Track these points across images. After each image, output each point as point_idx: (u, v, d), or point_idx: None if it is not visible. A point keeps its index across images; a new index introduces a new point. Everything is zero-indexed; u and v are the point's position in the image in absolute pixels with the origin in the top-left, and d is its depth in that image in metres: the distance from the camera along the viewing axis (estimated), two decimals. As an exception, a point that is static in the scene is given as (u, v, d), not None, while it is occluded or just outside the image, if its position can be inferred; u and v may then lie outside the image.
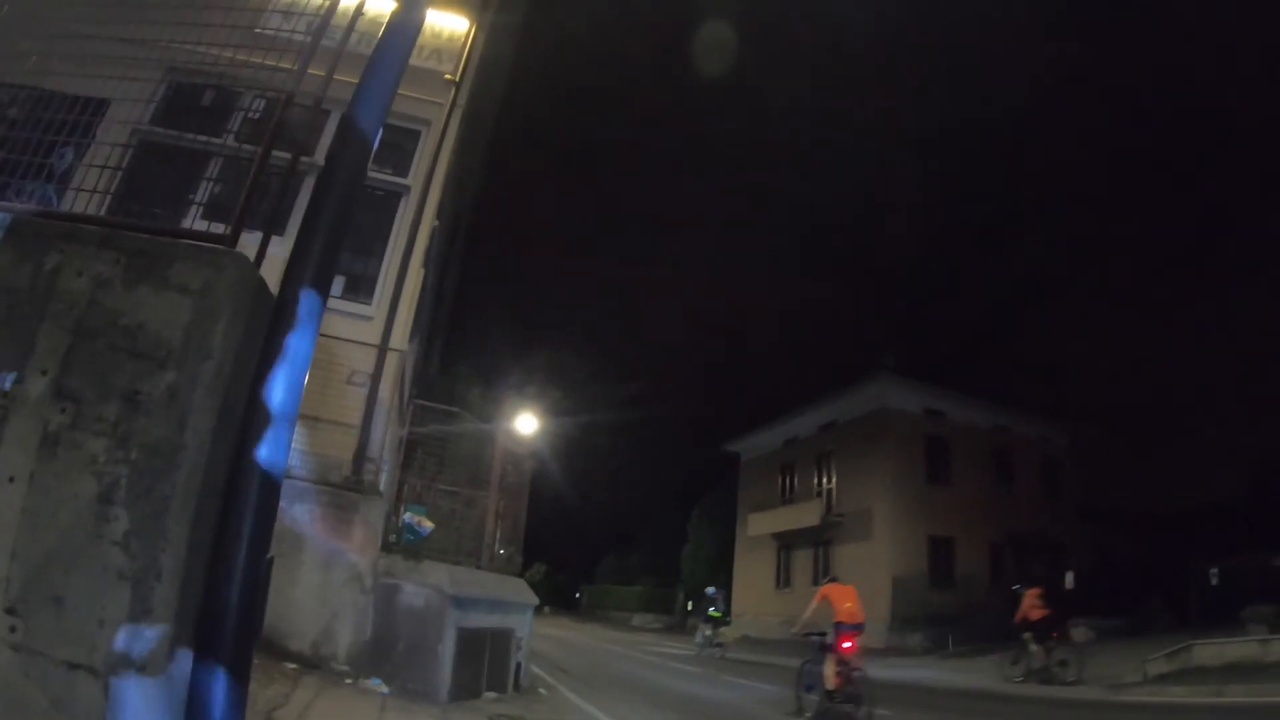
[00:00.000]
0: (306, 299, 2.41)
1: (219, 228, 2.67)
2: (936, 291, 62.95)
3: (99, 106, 3.49)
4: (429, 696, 6.43)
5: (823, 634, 9.26)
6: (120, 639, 2.04)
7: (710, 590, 24.42)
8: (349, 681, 6.08)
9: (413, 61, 9.13)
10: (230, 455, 2.28)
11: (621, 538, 56.83)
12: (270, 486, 2.26)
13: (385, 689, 6.17)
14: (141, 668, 2.04)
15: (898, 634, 23.34)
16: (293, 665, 5.89)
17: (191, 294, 2.35)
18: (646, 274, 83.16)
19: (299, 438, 7.24)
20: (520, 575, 10.32)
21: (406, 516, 7.72)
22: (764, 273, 76.82)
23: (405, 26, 2.89)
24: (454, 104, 8.93)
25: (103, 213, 2.92)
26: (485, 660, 7.49)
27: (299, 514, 6.60)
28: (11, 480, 2.16)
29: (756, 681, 12.23)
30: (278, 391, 2.30)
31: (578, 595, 58.35)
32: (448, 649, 6.74)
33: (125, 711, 2.00)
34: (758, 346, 73.47)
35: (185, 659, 2.11)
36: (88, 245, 2.40)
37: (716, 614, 22.62)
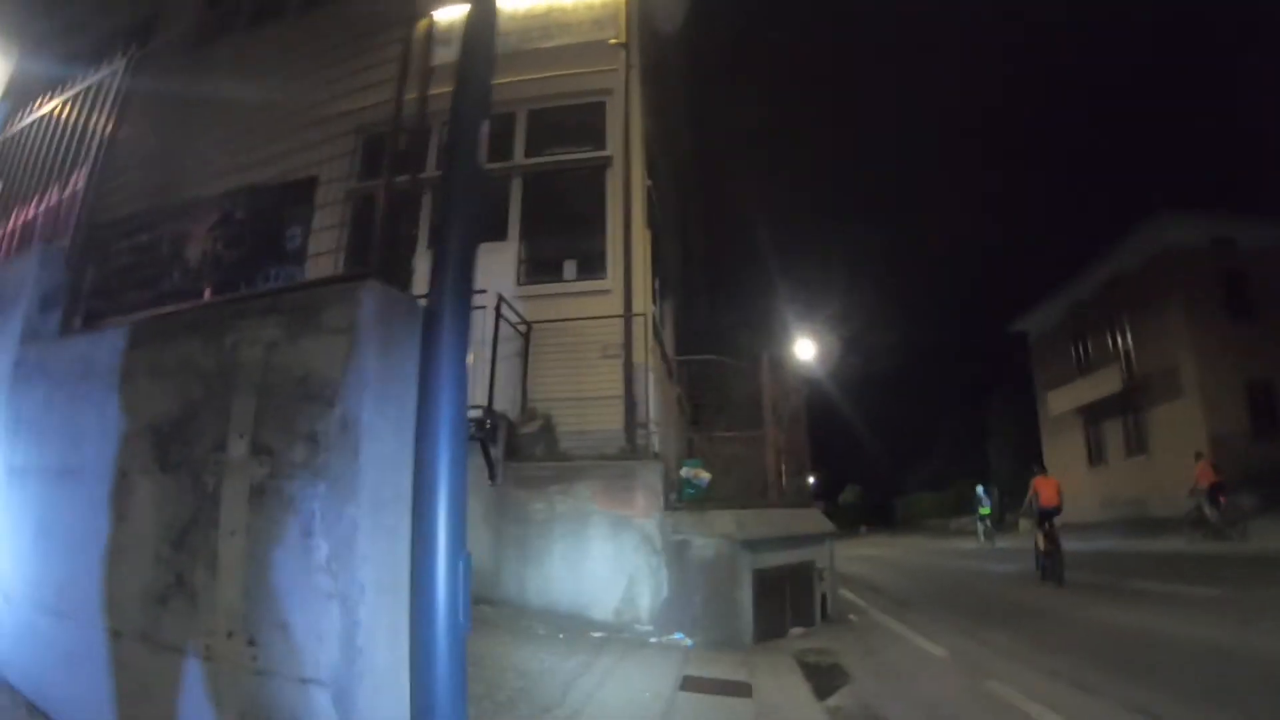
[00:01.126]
0: (451, 304, 2.50)
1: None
2: (1199, 111, 53.69)
3: (309, 184, 3.83)
4: (733, 643, 6.55)
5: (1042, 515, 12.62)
6: (335, 651, 2.24)
7: (980, 489, 26.10)
8: (653, 641, 6.35)
9: (576, 37, 9.38)
10: (411, 464, 2.43)
11: (922, 445, 55.28)
12: (454, 486, 2.37)
13: (689, 642, 6.38)
14: (360, 674, 2.24)
15: (1229, 498, 20.64)
16: (599, 634, 6.25)
17: (342, 332, 2.52)
18: (893, 171, 78.71)
19: (571, 420, 7.71)
20: (829, 501, 10.27)
21: (683, 472, 7.90)
22: (1016, 140, 69.70)
23: (482, 17, 2.87)
24: (628, 65, 8.94)
25: (340, 268, 3.24)
26: (787, 597, 7.52)
27: (581, 491, 6.97)
28: (234, 533, 2.48)
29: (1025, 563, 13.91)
30: (442, 396, 2.41)
31: (893, 509, 57.36)
32: (745, 593, 6.83)
33: (351, 716, 2.21)
34: (1024, 219, 66.99)
35: (401, 661, 2.28)
36: (254, 317, 2.68)
37: (985, 510, 25.00)
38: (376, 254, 2.77)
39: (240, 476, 2.52)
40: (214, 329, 2.81)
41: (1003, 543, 23.25)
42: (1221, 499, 16.40)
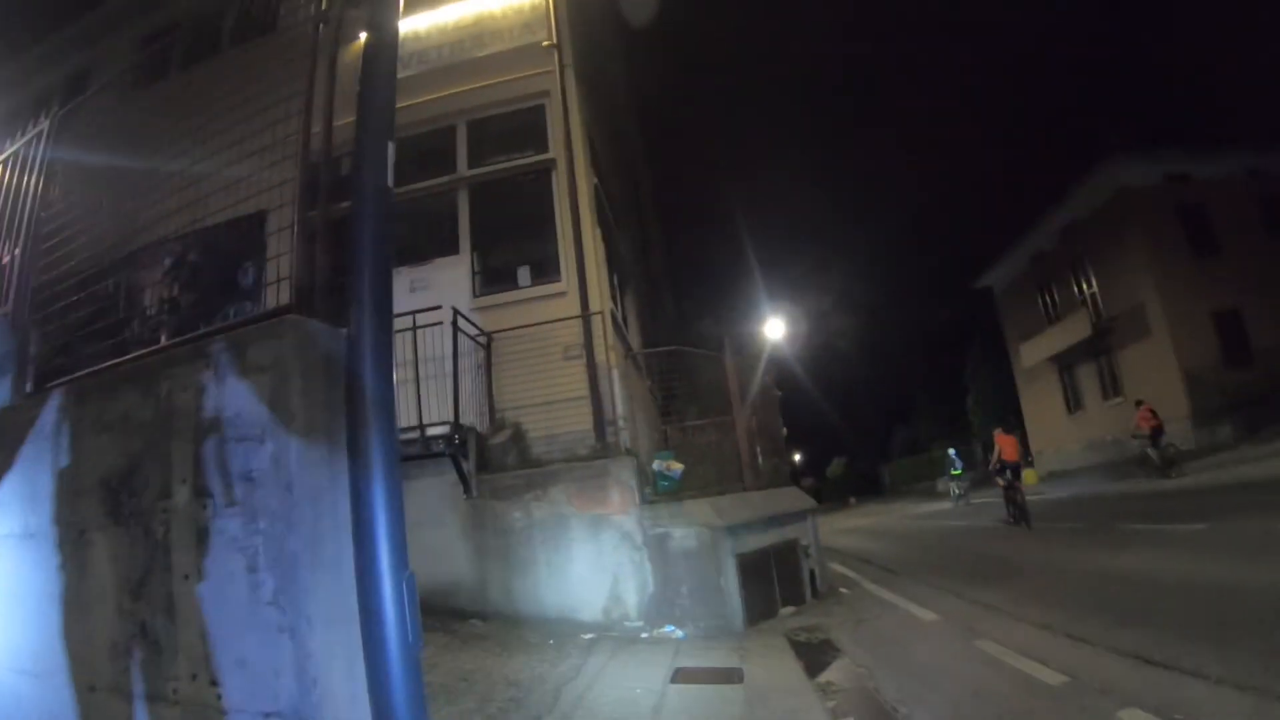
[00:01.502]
0: (372, 328, 2.53)
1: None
2: (1140, 48, 54.20)
3: (258, 218, 3.82)
4: (724, 630, 6.62)
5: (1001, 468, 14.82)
6: (292, 683, 2.29)
7: (951, 451, 27.25)
8: (644, 636, 6.42)
9: (508, 43, 9.40)
10: (347, 490, 2.47)
11: (903, 410, 55.70)
12: (391, 509, 2.40)
13: (680, 634, 6.46)
14: (317, 704, 2.28)
15: (1206, 430, 21.22)
16: (589, 635, 6.30)
17: (266, 370, 2.55)
18: (849, 140, 78.90)
19: (540, 426, 7.75)
20: (817, 476, 10.34)
21: (655, 465, 7.96)
22: (967, 100, 69.97)
23: (382, 39, 2.90)
24: (562, 65, 8.98)
25: (293, 298, 3.25)
26: (774, 578, 7.60)
27: (556, 496, 7.02)
28: (186, 577, 2.52)
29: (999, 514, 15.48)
30: (371, 421, 2.45)
31: (881, 478, 57.68)
32: (730, 579, 6.90)
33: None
34: (981, 177, 67.32)
35: (359, 686, 2.33)
36: (184, 364, 2.72)
37: (957, 472, 25.98)
38: (292, 286, 2.80)
39: (186, 521, 2.56)
40: (149, 379, 2.84)
41: (978, 499, 24.44)
42: (1160, 439, 17.92)
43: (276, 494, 2.41)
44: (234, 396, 2.57)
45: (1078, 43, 59.67)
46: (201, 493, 2.55)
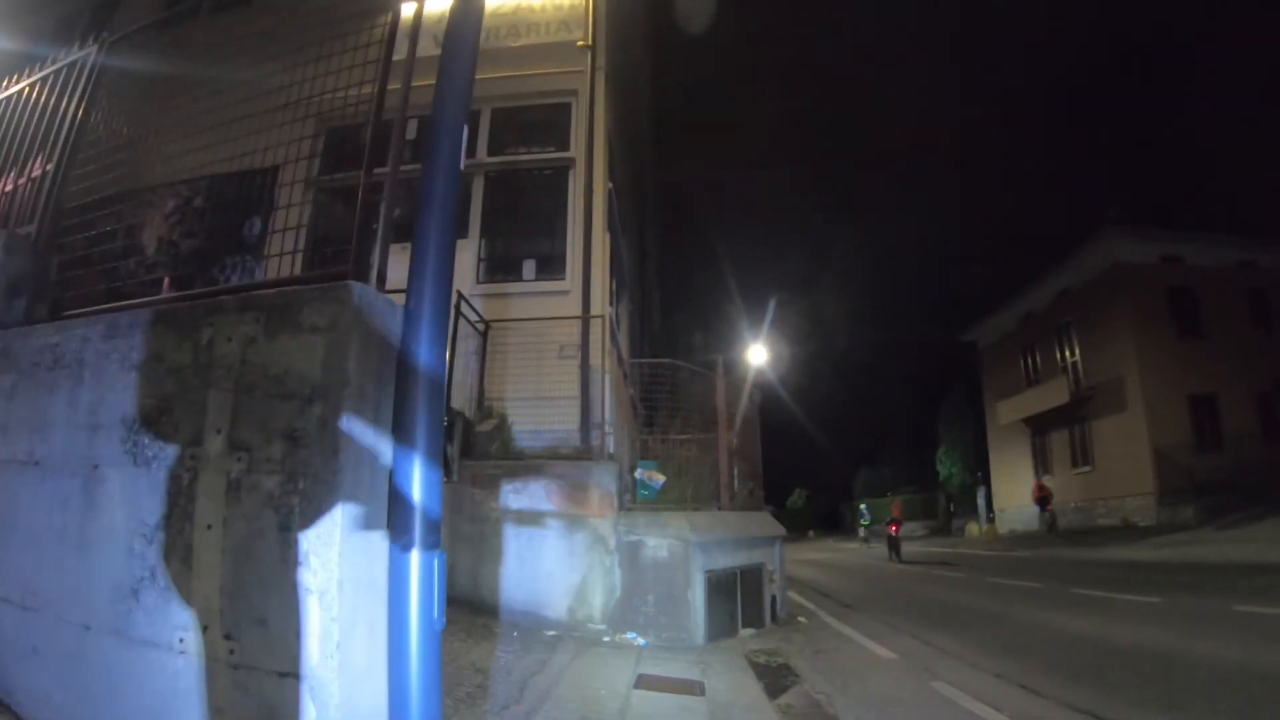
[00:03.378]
0: (430, 306, 2.55)
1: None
2: (1151, 131, 55.56)
3: (270, 174, 3.80)
4: (685, 643, 6.67)
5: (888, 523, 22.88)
6: (313, 645, 2.30)
7: (862, 506, 37.10)
8: (606, 640, 6.45)
9: (543, 37, 9.44)
10: (389, 463, 2.49)
11: (871, 450, 56.23)
12: (430, 486, 2.43)
13: (642, 641, 6.50)
14: (338, 669, 2.29)
15: (1169, 508, 21.65)
16: (552, 632, 6.33)
17: (321, 331, 2.56)
18: (849, 181, 79.74)
19: (527, 419, 7.76)
20: (777, 505, 10.40)
21: (637, 473, 8.00)
22: (970, 153, 71.12)
23: (466, 20, 2.92)
24: (594, 68, 9.02)
25: (298, 262, 3.24)
26: (738, 599, 7.66)
27: (536, 490, 7.02)
28: (210, 527, 2.51)
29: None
30: (420, 397, 2.47)
31: (842, 515, 58.28)
32: (697, 594, 6.94)
33: (328, 710, 2.26)
34: (978, 231, 68.49)
35: (378, 656, 2.35)
36: (230, 313, 2.70)
37: (865, 523, 34.44)
38: (354, 252, 2.80)
39: (217, 471, 2.55)
40: (188, 323, 2.82)
41: (875, 545, 30.09)
42: (1048, 509, 26.06)
43: (320, 456, 2.42)
44: (283, 353, 2.58)
45: (1098, 111, 60.85)
46: (237, 445, 2.55)
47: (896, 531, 22.07)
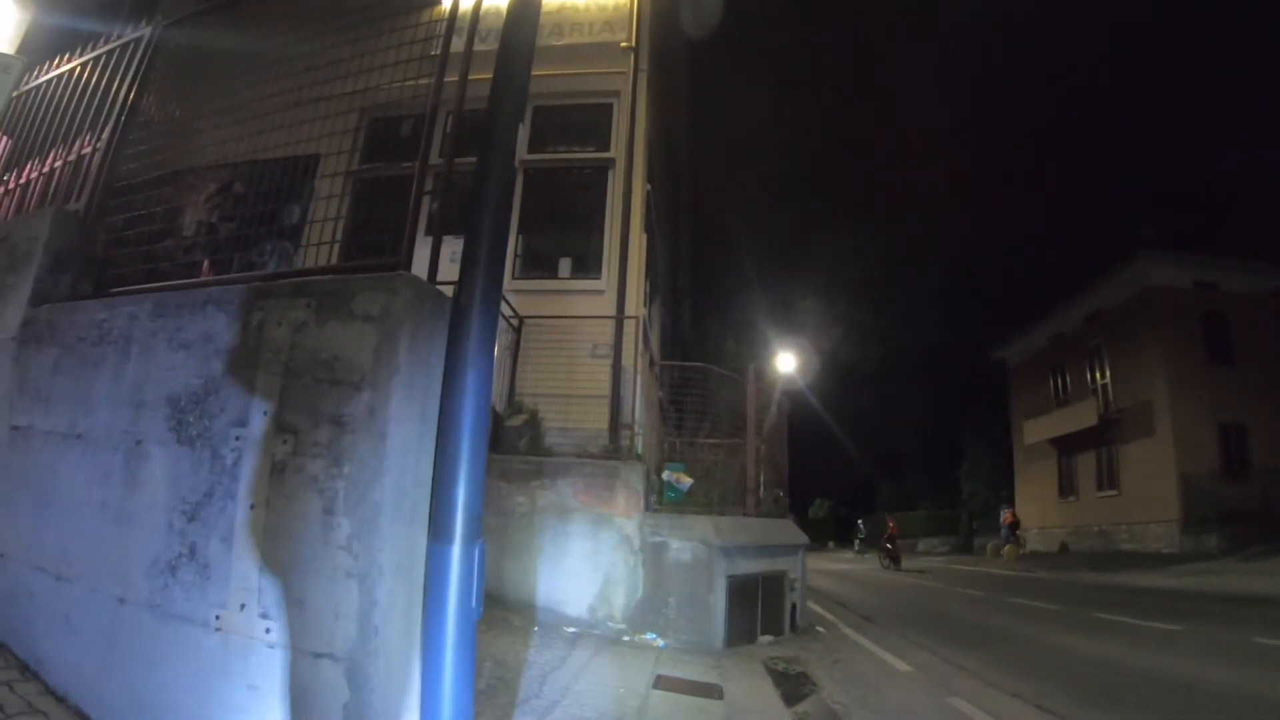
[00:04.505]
0: (481, 300, 2.56)
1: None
2: (1188, 151, 54.74)
3: (311, 161, 3.83)
4: (704, 646, 6.64)
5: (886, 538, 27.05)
6: (353, 628, 2.31)
7: (859, 522, 42.79)
8: (626, 639, 6.45)
9: (587, 37, 9.46)
10: (433, 453, 2.50)
11: (896, 464, 55.91)
12: (473, 477, 2.43)
13: (661, 643, 6.48)
14: (375, 652, 2.30)
15: (1192, 537, 21.24)
16: (572, 629, 6.34)
17: (373, 320, 2.59)
18: (883, 194, 79.33)
19: (557, 417, 7.77)
20: (799, 514, 10.37)
21: (665, 475, 7.98)
22: (1004, 168, 70.52)
23: (523, 17, 2.94)
24: (637, 69, 9.03)
25: (336, 250, 3.27)
26: (759, 605, 7.63)
27: (563, 488, 7.03)
28: (253, 507, 2.54)
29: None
30: (467, 389, 2.47)
31: (860, 526, 58.48)
32: (719, 599, 6.92)
33: (363, 692, 2.27)
34: (1011, 247, 67.86)
35: (413, 641, 2.35)
36: (282, 298, 2.74)
37: (861, 536, 39.45)
38: (406, 244, 2.82)
39: (262, 452, 2.58)
40: (239, 306, 2.86)
41: (869, 557, 33.59)
42: (1016, 533, 28.52)
43: (367, 442, 2.44)
44: (334, 340, 2.60)
45: (1136, 136, 60.22)
46: (283, 427, 2.58)
47: (892, 546, 26.09)
